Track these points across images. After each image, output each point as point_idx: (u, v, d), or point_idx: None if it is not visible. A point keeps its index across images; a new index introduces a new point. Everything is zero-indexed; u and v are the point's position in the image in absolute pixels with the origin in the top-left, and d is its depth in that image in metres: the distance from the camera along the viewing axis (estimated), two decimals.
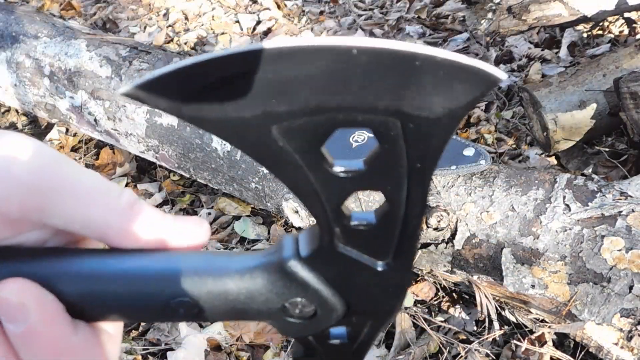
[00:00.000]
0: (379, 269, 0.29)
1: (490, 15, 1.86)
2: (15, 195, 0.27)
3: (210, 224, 1.81)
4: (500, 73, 0.23)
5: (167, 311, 0.30)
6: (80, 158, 2.11)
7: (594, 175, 1.23)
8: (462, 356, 1.24)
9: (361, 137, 1.38)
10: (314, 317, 0.31)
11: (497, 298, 1.26)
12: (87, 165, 2.06)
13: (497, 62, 2.21)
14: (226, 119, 0.24)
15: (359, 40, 0.22)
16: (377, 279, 0.30)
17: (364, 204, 1.33)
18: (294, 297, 0.30)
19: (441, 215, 1.23)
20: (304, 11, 2.92)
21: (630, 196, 1.15)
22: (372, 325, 0.33)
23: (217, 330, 1.43)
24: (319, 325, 0.31)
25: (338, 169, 0.26)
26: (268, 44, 0.22)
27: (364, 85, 0.23)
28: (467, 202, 1.24)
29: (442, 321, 1.36)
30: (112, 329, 0.32)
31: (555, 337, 1.22)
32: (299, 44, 0.22)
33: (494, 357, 1.26)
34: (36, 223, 0.29)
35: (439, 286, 1.42)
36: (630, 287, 1.07)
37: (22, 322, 0.28)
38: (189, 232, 0.31)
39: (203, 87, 0.24)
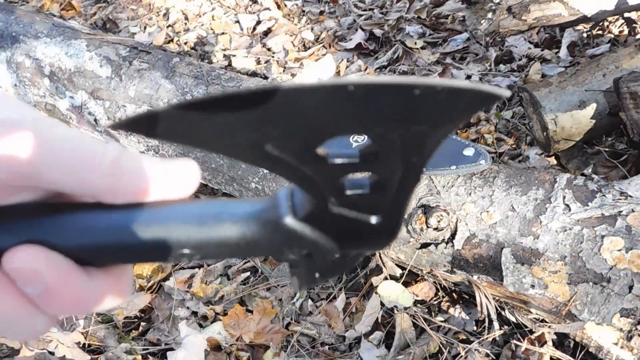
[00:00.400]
0: (372, 222, 0.31)
1: (490, 15, 1.86)
2: (3, 161, 0.28)
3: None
4: (502, 91, 0.23)
5: (170, 258, 0.31)
6: None
7: (594, 175, 1.23)
8: (462, 356, 1.24)
9: (361, 137, 1.38)
10: (308, 257, 0.32)
11: (497, 298, 1.26)
12: None
13: (497, 62, 2.22)
14: (221, 142, 0.26)
15: (357, 79, 0.22)
16: (369, 228, 0.31)
17: None
18: (290, 246, 0.32)
19: (441, 215, 1.23)
20: (304, 11, 2.92)
21: (630, 196, 1.15)
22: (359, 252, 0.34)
23: (217, 330, 1.43)
24: (314, 263, 0.33)
25: (334, 160, 0.27)
26: (275, 86, 0.23)
27: (362, 115, 0.24)
28: (467, 202, 1.24)
29: (442, 321, 1.36)
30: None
31: (555, 337, 1.22)
32: (298, 86, 0.23)
33: (494, 357, 1.26)
34: (26, 187, 0.30)
35: (439, 286, 1.42)
36: (630, 287, 1.07)
37: (38, 286, 0.29)
38: (178, 180, 0.32)
39: (207, 119, 0.24)
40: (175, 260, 0.32)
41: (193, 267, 1.65)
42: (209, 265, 1.63)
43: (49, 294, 0.29)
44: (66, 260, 0.30)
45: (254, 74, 2.35)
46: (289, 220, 0.31)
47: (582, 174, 1.24)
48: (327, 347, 1.38)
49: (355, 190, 0.29)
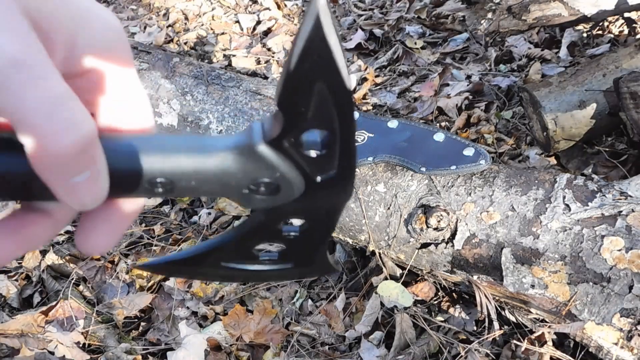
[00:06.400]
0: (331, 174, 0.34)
1: (490, 15, 1.86)
2: None
3: (210, 224, 1.81)
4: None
5: (146, 188, 0.32)
6: None
7: (594, 175, 1.23)
8: (462, 356, 1.24)
9: (361, 136, 1.38)
10: (277, 194, 0.34)
11: (497, 298, 1.26)
12: None
13: (497, 62, 2.22)
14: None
15: None
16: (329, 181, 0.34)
17: (364, 204, 1.33)
18: (261, 177, 0.33)
19: (441, 215, 1.23)
20: (304, 11, 2.92)
21: (630, 196, 1.15)
22: (325, 220, 0.37)
23: (217, 330, 1.43)
24: (280, 200, 0.34)
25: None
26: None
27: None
28: (467, 202, 1.24)
29: (442, 321, 1.36)
30: None
31: (555, 337, 1.22)
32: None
33: (494, 357, 1.26)
34: None
35: (439, 286, 1.42)
36: (630, 287, 1.07)
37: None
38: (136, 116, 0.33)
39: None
40: (151, 191, 0.32)
41: None
42: None
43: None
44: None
45: (254, 74, 2.35)
46: (261, 147, 0.32)
47: (582, 174, 1.24)
48: (327, 347, 1.38)
49: (310, 150, 0.32)
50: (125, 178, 0.31)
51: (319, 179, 0.34)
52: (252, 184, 0.33)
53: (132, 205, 0.34)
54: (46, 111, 0.26)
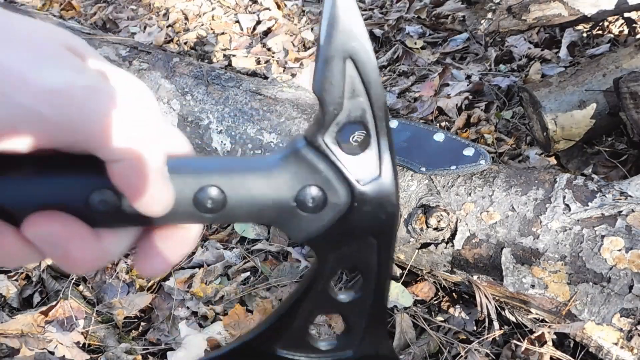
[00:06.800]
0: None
1: (490, 15, 1.86)
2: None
3: (210, 224, 1.81)
4: None
5: (194, 206, 0.32)
6: None
7: (593, 175, 1.23)
8: (462, 356, 1.24)
9: (361, 137, 1.38)
10: (324, 208, 0.34)
11: (497, 298, 1.26)
12: None
13: (497, 62, 2.22)
14: None
15: None
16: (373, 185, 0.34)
17: None
18: (306, 181, 0.33)
19: (441, 215, 1.23)
20: (304, 11, 2.92)
21: (630, 196, 1.15)
22: (378, 248, 0.36)
23: (217, 330, 1.43)
24: (329, 217, 0.34)
25: None
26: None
27: None
28: (467, 202, 1.24)
29: (442, 321, 1.36)
30: None
31: (555, 337, 1.22)
32: None
33: (494, 357, 1.26)
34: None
35: (439, 286, 1.42)
36: (630, 287, 1.07)
37: (57, 249, 0.31)
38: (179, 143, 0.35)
39: None
40: (200, 208, 0.32)
41: (193, 267, 1.65)
42: (209, 265, 1.63)
43: (66, 256, 0.31)
44: (78, 223, 0.31)
45: (254, 74, 2.35)
46: (305, 150, 0.33)
47: (582, 174, 1.24)
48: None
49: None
50: (179, 188, 0.32)
51: (362, 184, 0.34)
52: (299, 195, 0.33)
53: (190, 231, 0.35)
54: (130, 128, 0.29)
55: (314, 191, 0.33)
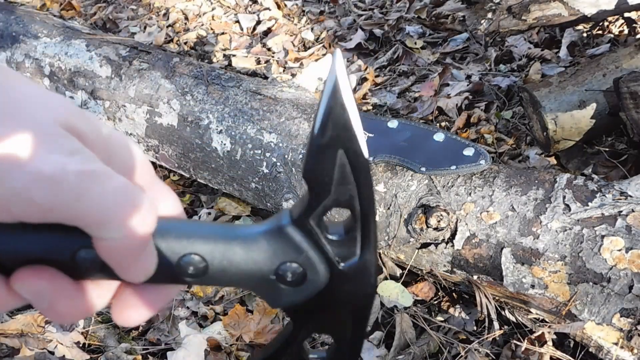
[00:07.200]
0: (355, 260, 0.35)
1: (490, 15, 1.86)
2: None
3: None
4: None
5: (176, 270, 0.33)
6: None
7: (594, 175, 1.23)
8: (462, 356, 1.24)
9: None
10: (303, 283, 0.34)
11: (497, 298, 1.26)
12: None
13: (497, 62, 2.22)
14: None
15: None
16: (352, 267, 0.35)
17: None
18: (287, 258, 0.34)
19: (441, 215, 1.23)
20: (304, 11, 2.92)
21: (630, 196, 1.15)
22: (353, 322, 0.37)
23: (217, 330, 1.43)
24: (307, 292, 0.35)
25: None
26: None
27: None
28: (467, 202, 1.24)
29: (442, 321, 1.36)
30: None
31: (555, 337, 1.22)
32: None
33: (494, 357, 1.26)
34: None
35: (439, 286, 1.42)
36: (630, 287, 1.07)
37: (44, 302, 0.32)
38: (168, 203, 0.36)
39: None
40: (183, 274, 0.33)
41: None
42: None
43: (52, 309, 0.32)
44: (66, 280, 0.33)
45: (254, 74, 2.34)
46: (290, 229, 0.34)
47: (582, 174, 1.24)
48: (327, 347, 1.38)
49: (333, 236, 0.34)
50: (163, 254, 0.33)
51: (342, 265, 0.35)
52: (279, 269, 0.34)
53: (166, 290, 0.36)
54: (120, 210, 0.30)
55: (294, 267, 0.34)
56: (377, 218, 1.32)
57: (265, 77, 2.34)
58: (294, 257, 0.34)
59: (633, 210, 1.12)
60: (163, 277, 0.34)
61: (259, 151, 1.49)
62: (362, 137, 0.32)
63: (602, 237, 1.11)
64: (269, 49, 2.68)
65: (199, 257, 0.33)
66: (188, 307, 1.52)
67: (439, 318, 1.38)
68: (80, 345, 1.42)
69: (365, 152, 0.32)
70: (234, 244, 0.34)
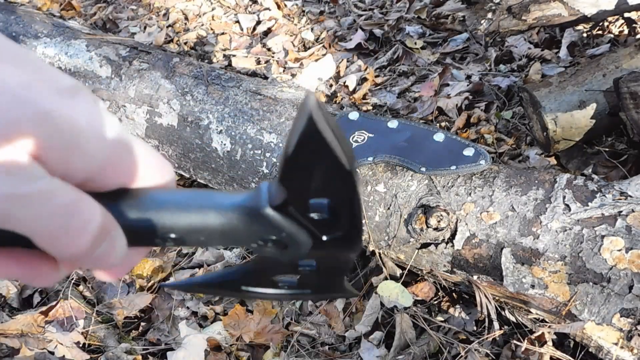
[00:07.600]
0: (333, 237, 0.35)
1: (490, 15, 1.86)
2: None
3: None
4: None
5: (158, 242, 0.34)
6: None
7: (594, 175, 1.23)
8: (462, 356, 1.24)
9: (361, 137, 1.38)
10: (285, 250, 0.35)
11: (497, 298, 1.26)
12: None
13: (497, 62, 2.22)
14: None
15: None
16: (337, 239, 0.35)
17: (364, 204, 1.33)
18: (267, 235, 0.34)
19: (441, 215, 1.23)
20: (304, 11, 2.92)
21: (630, 196, 1.15)
22: (340, 258, 0.38)
23: (217, 330, 1.43)
24: (291, 255, 0.35)
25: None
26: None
27: None
28: (467, 202, 1.24)
29: (442, 321, 1.36)
30: None
31: (555, 337, 1.22)
32: None
33: (494, 357, 1.26)
34: None
35: (439, 286, 1.42)
36: (630, 287, 1.07)
37: (21, 280, 0.34)
38: (159, 169, 0.36)
39: None
40: (163, 244, 0.34)
41: (193, 267, 1.65)
42: (209, 266, 1.63)
43: (31, 282, 0.34)
44: (39, 257, 0.33)
45: (254, 74, 2.35)
46: (267, 210, 0.34)
47: (582, 174, 1.24)
48: (327, 347, 1.38)
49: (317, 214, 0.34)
50: (140, 234, 0.34)
51: (325, 238, 0.35)
52: (260, 240, 0.35)
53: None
54: (58, 225, 0.29)
55: (274, 240, 0.35)
56: (377, 218, 1.32)
57: (265, 77, 2.34)
58: (274, 233, 0.34)
59: (633, 211, 1.12)
60: (143, 245, 0.35)
61: (259, 151, 1.49)
62: (342, 154, 0.30)
63: (602, 237, 1.11)
64: (269, 49, 2.68)
65: (174, 234, 0.34)
66: (188, 307, 1.53)
67: (439, 318, 1.38)
68: (80, 345, 1.42)
69: (348, 165, 0.31)
70: (209, 219, 0.34)
